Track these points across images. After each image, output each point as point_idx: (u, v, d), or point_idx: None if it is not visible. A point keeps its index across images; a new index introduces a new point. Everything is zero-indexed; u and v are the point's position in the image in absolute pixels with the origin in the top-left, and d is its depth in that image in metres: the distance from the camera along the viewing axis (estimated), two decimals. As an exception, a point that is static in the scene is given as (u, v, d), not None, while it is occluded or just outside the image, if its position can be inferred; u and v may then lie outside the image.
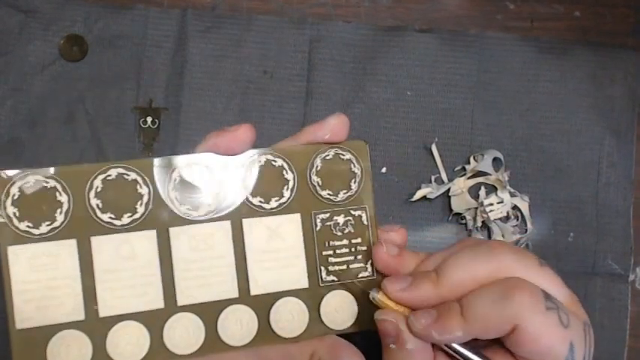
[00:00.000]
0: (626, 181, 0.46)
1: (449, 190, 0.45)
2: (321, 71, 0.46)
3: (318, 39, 0.46)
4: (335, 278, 0.31)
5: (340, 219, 0.31)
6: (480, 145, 0.46)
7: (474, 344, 0.28)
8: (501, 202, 0.45)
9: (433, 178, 0.45)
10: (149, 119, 0.45)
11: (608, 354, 0.45)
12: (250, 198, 0.30)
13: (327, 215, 0.31)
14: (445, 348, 0.28)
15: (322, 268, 0.31)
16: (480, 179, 0.45)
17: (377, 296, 0.29)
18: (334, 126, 0.30)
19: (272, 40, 0.46)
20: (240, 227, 0.30)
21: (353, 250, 0.31)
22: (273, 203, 0.30)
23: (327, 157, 0.31)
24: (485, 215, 0.44)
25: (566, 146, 0.46)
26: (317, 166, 0.31)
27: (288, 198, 0.30)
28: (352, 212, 0.31)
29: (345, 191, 0.31)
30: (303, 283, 0.31)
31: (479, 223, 0.45)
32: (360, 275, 0.31)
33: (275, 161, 0.30)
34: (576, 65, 0.47)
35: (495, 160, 0.45)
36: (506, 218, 0.45)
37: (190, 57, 0.45)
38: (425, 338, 0.27)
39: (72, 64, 0.45)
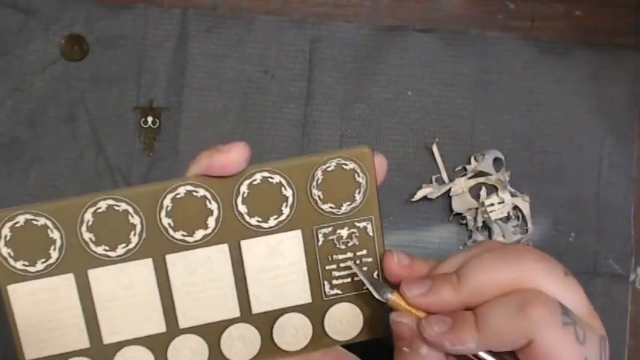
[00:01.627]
0: (626, 181, 0.46)
1: (450, 190, 0.45)
2: (322, 71, 0.46)
3: (318, 39, 0.46)
4: (339, 292, 0.31)
5: (344, 232, 0.30)
6: (480, 145, 0.46)
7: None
8: (502, 202, 0.45)
9: (434, 178, 0.45)
10: (150, 119, 0.45)
11: (608, 354, 0.45)
12: (248, 218, 0.29)
13: (330, 229, 0.30)
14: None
15: (325, 282, 0.30)
16: (481, 179, 0.45)
17: (391, 297, 0.28)
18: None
19: (273, 40, 0.46)
20: (238, 248, 0.29)
21: (358, 262, 0.30)
22: (272, 222, 0.29)
23: (329, 169, 0.29)
24: (486, 215, 0.44)
25: (567, 146, 0.46)
26: (318, 179, 0.29)
27: (288, 215, 0.29)
28: (357, 224, 0.30)
29: (348, 203, 0.30)
30: (306, 298, 0.30)
31: (479, 224, 0.45)
32: (365, 287, 0.30)
33: (272, 178, 0.29)
34: (576, 65, 0.47)
35: (496, 160, 0.45)
36: (507, 218, 0.45)
37: (191, 57, 0.45)
38: (436, 346, 0.27)
39: (72, 64, 0.45)
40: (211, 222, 0.29)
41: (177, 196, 0.28)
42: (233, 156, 0.28)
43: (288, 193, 0.29)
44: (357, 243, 0.30)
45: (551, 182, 0.46)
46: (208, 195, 0.28)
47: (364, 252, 0.30)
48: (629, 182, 0.46)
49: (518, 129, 0.46)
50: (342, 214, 0.30)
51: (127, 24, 0.46)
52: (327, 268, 0.30)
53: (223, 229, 0.29)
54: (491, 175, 0.45)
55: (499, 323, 0.26)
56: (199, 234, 0.29)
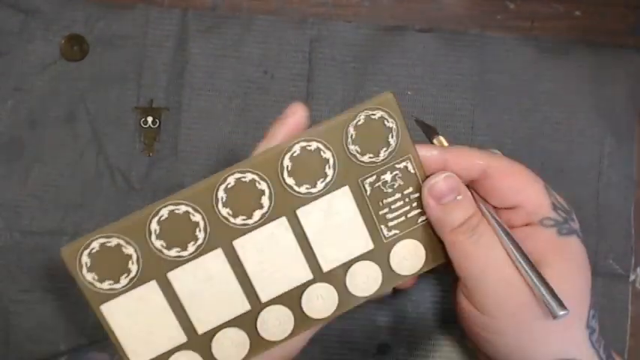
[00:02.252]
0: (626, 181, 0.46)
1: (449, 190, 0.45)
2: (322, 71, 0.46)
3: (318, 39, 0.46)
4: (397, 231, 0.32)
5: (387, 176, 0.32)
6: (480, 145, 0.46)
7: None
8: (502, 202, 0.45)
9: (434, 178, 0.45)
10: (150, 119, 0.45)
11: (608, 354, 0.45)
12: (297, 188, 0.31)
13: (374, 178, 0.32)
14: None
15: (382, 226, 0.32)
16: (481, 179, 0.45)
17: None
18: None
19: (272, 40, 0.46)
20: (296, 218, 0.31)
21: (407, 200, 0.32)
22: (320, 185, 0.31)
23: (359, 123, 0.31)
24: (485, 215, 0.44)
25: (567, 146, 0.46)
26: (351, 135, 0.31)
27: (333, 175, 0.31)
28: (397, 166, 0.32)
29: (385, 149, 0.31)
30: (369, 245, 0.32)
31: (479, 223, 0.45)
32: (420, 220, 0.33)
33: (310, 145, 0.31)
34: (577, 65, 0.47)
35: (496, 160, 0.45)
36: (507, 218, 0.45)
37: (191, 57, 0.45)
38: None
39: (72, 64, 0.45)
40: (265, 200, 0.31)
41: (229, 186, 0.30)
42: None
43: (328, 155, 0.31)
44: (402, 183, 0.32)
45: (551, 182, 0.46)
46: (256, 177, 0.30)
47: (410, 189, 0.32)
48: (629, 182, 0.46)
49: (518, 129, 0.46)
50: (382, 160, 0.32)
51: (127, 24, 0.46)
52: (381, 213, 0.32)
53: (278, 204, 0.31)
54: (491, 175, 0.45)
55: (464, 149, 0.33)
56: (257, 214, 0.31)
